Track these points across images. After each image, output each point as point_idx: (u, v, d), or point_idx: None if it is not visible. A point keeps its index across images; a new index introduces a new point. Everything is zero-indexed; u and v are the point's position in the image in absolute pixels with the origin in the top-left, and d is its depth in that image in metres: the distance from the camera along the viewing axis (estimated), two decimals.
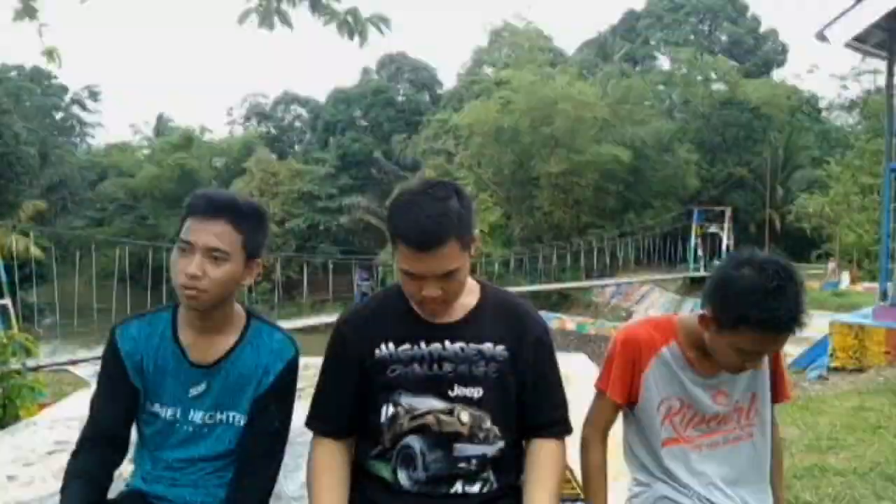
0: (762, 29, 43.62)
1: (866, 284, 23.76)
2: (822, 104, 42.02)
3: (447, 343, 1.58)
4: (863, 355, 6.62)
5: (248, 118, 48.13)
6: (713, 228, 32.85)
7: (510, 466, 1.62)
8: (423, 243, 1.46)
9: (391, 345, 1.60)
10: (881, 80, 40.27)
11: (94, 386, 1.75)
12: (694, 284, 29.68)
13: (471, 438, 1.57)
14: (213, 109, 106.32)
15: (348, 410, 1.63)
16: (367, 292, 25.70)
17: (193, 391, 1.66)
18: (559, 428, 1.65)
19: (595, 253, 31.56)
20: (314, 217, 37.66)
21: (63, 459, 3.09)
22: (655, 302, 27.47)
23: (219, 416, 1.66)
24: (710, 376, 1.66)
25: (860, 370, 6.59)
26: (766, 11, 75.05)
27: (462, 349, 1.58)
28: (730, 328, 1.50)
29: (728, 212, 32.23)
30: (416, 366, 1.58)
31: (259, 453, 1.66)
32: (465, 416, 1.56)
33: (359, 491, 1.63)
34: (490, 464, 1.59)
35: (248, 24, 3.48)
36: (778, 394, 1.75)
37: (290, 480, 2.69)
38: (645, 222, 32.94)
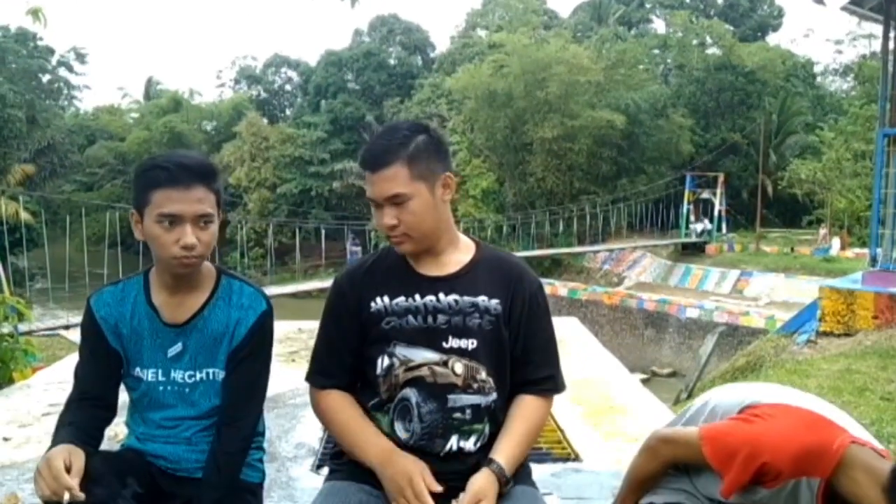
0: None
1: (856, 250, 23.97)
2: (817, 69, 41.85)
3: (441, 296, 1.61)
4: (851, 320, 6.68)
5: (237, 81, 47.50)
6: (706, 194, 32.89)
7: (502, 417, 1.65)
8: (368, 162, 1.57)
9: (386, 298, 1.63)
10: (876, 45, 39.95)
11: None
12: (685, 250, 29.85)
13: (465, 389, 1.60)
14: (202, 72, 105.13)
15: (348, 364, 1.67)
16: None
17: (171, 351, 1.69)
18: (545, 385, 1.68)
19: (588, 219, 31.58)
20: (306, 182, 37.44)
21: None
22: (647, 268, 27.59)
23: (199, 374, 1.69)
24: None
25: (848, 334, 6.66)
26: None
27: (456, 301, 1.61)
28: None
29: (721, 177, 32.22)
30: (410, 318, 1.61)
31: (237, 404, 1.68)
32: (458, 368, 1.59)
33: None
34: (485, 414, 1.62)
35: None
36: None
37: (285, 441, 2.73)
38: (638, 188, 32.91)
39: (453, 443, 1.59)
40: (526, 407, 1.65)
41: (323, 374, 1.69)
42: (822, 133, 28.01)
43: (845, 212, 26.96)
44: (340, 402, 1.66)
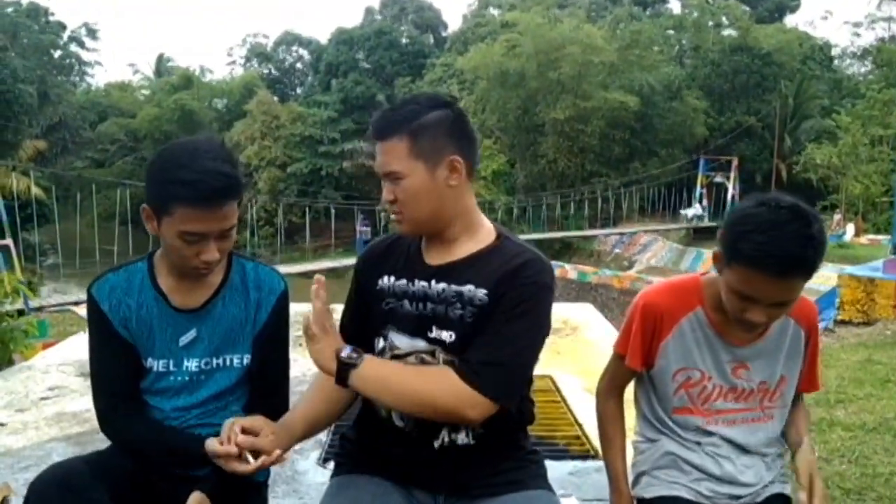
0: None
1: (870, 236, 23.67)
2: (835, 52, 41.24)
3: (433, 283, 1.50)
4: (871, 308, 6.54)
5: (248, 59, 47.33)
6: (719, 178, 32.58)
7: (500, 415, 1.46)
8: (373, 130, 1.48)
9: (391, 278, 1.55)
10: (895, 28, 39.56)
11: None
12: (697, 234, 29.61)
13: None
14: (213, 49, 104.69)
15: (359, 328, 1.59)
16: (368, 239, 25.69)
17: (184, 339, 1.59)
18: (469, 370, 1.40)
19: (599, 202, 31.37)
20: (316, 162, 37.32)
21: (56, 407, 3.08)
22: (658, 252, 27.37)
23: (216, 361, 1.60)
24: (737, 346, 1.56)
25: (867, 323, 6.52)
26: None
27: (443, 290, 1.49)
28: (727, 264, 1.40)
29: (734, 161, 31.87)
30: (406, 302, 1.52)
31: (272, 388, 1.64)
32: (442, 358, 1.48)
33: (361, 427, 1.61)
34: None
35: None
36: (805, 382, 1.63)
37: None
38: (650, 171, 32.63)
39: (444, 435, 1.49)
40: (436, 369, 1.45)
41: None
42: (839, 117, 27.57)
43: (860, 197, 26.62)
44: (314, 385, 1.60)
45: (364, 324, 1.59)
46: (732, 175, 31.84)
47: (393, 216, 1.51)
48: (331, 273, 25.34)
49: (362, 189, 36.42)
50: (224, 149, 1.53)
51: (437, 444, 1.49)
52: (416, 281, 1.52)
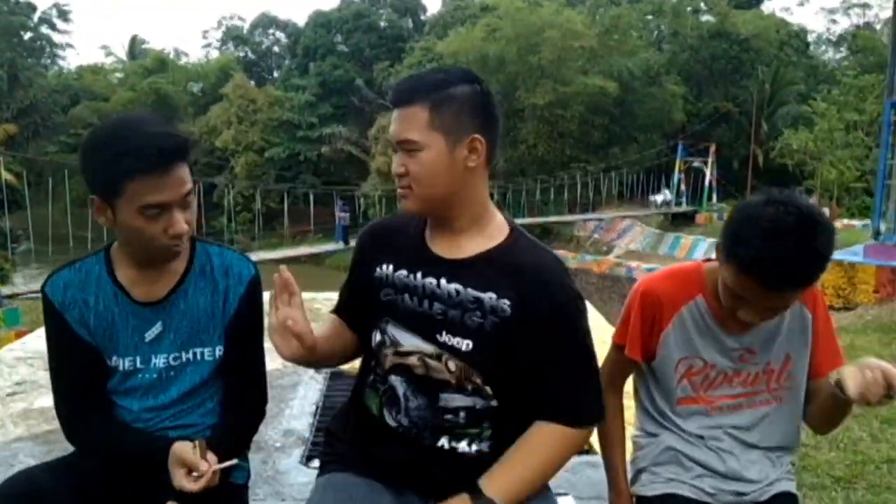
0: None
1: (845, 221, 23.95)
2: (811, 38, 41.56)
3: (442, 281, 1.38)
4: (852, 293, 6.57)
5: (224, 42, 46.62)
6: (696, 163, 32.76)
7: (511, 425, 1.39)
8: (393, 95, 1.37)
9: (391, 266, 1.44)
10: (870, 15, 39.91)
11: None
12: (675, 219, 29.81)
13: (459, 389, 1.38)
14: (188, 33, 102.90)
15: (358, 310, 1.52)
16: (348, 224, 25.53)
17: (149, 334, 1.48)
18: (564, 414, 1.37)
19: (578, 187, 31.42)
20: (294, 146, 36.93)
21: (24, 403, 2.95)
22: (636, 237, 27.55)
23: (184, 356, 1.50)
24: (740, 333, 1.49)
25: (848, 308, 6.56)
26: None
27: (457, 292, 1.36)
28: (724, 261, 1.36)
29: (712, 147, 32.06)
30: (406, 296, 1.41)
31: (248, 380, 1.55)
32: (452, 365, 1.37)
33: (351, 423, 1.51)
34: (483, 419, 1.39)
35: None
36: (827, 360, 1.52)
37: (271, 428, 2.54)
38: (629, 157, 32.73)
39: (444, 443, 1.39)
40: (536, 435, 1.37)
41: (336, 307, 1.60)
42: (815, 103, 27.76)
43: (835, 183, 26.88)
44: (327, 320, 1.56)
45: (361, 306, 1.50)
46: (710, 160, 32.03)
47: (400, 190, 1.39)
48: (310, 259, 25.17)
49: (341, 174, 36.14)
50: (160, 115, 1.44)
51: (435, 446, 1.40)
52: (419, 274, 1.40)
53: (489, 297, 1.35)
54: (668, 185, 32.58)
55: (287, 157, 36.93)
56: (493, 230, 1.41)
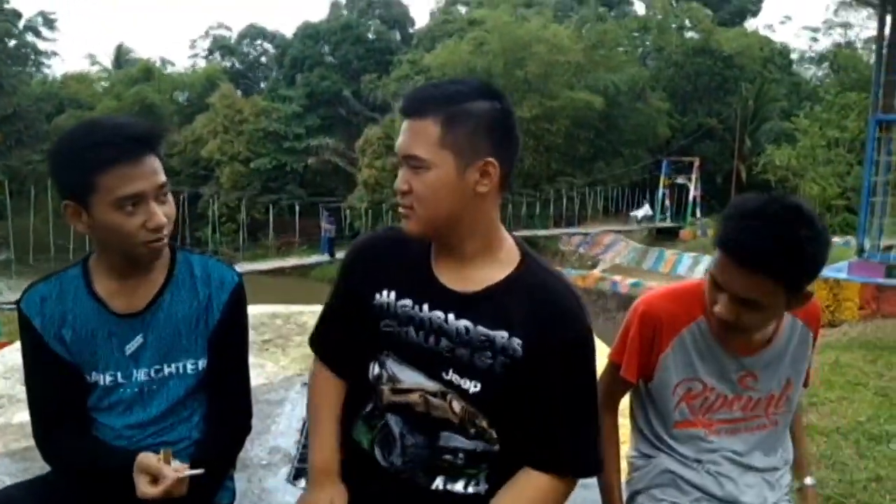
0: None
1: None
2: (794, 56, 42.15)
3: (451, 316, 1.28)
4: (837, 310, 6.60)
5: (211, 52, 46.43)
6: (681, 179, 32.99)
7: (510, 466, 1.32)
8: (404, 105, 1.26)
9: (392, 294, 1.34)
10: (851, 34, 40.56)
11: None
12: (660, 235, 29.96)
13: (461, 430, 1.30)
14: (175, 42, 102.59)
15: (347, 343, 1.41)
16: (333, 237, 25.46)
17: (130, 347, 1.44)
18: (560, 464, 1.29)
19: (564, 201, 31.53)
20: (280, 157, 36.77)
21: (1, 418, 2.86)
22: (621, 251, 27.61)
23: (167, 368, 1.45)
24: (742, 356, 1.47)
25: (832, 325, 6.59)
26: None
27: (467, 329, 1.27)
28: (714, 249, 1.37)
29: (696, 162, 32.33)
30: (411, 329, 1.31)
31: (233, 393, 1.51)
32: (457, 405, 1.29)
33: (339, 454, 1.43)
34: (483, 462, 1.32)
35: None
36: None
37: (257, 444, 2.49)
38: (615, 171, 32.93)
39: (439, 483, 1.32)
40: (529, 487, 1.28)
41: (323, 344, 1.47)
42: (798, 120, 28.12)
43: (817, 199, 27.17)
44: (321, 383, 1.45)
45: (352, 336, 1.39)
46: (694, 176, 32.26)
47: (402, 210, 1.28)
48: (294, 271, 25.02)
49: (328, 186, 36.02)
50: (130, 116, 1.44)
51: (430, 488, 1.33)
52: (426, 307, 1.30)
53: (500, 335, 1.27)
54: (651, 201, 32.75)
55: (273, 168, 36.77)
56: (504, 256, 1.33)
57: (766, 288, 1.30)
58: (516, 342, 1.26)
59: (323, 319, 1.48)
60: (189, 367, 1.46)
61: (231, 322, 1.48)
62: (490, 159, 1.24)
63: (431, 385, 1.31)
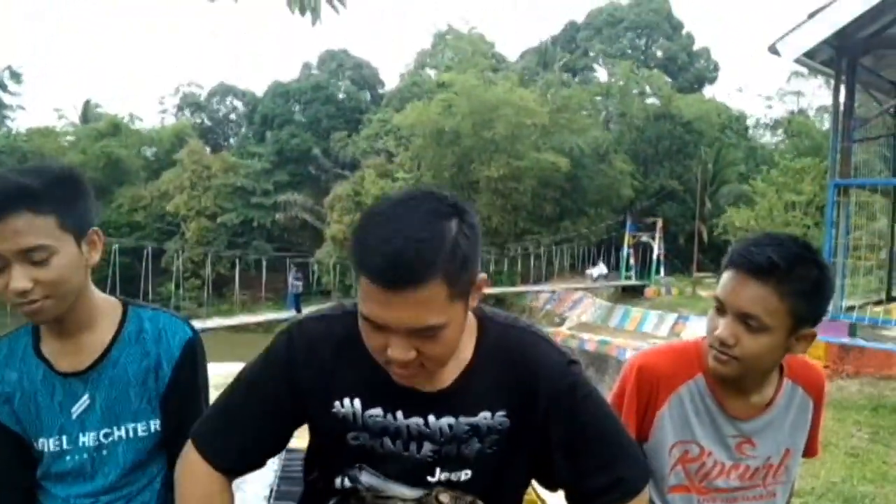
0: (695, 47, 45.03)
1: None
2: (749, 122, 43.87)
3: (431, 418, 1.18)
4: None
5: (180, 108, 46.57)
6: (645, 238, 33.63)
7: None
8: (388, 275, 1.00)
9: (357, 402, 1.19)
10: (804, 102, 42.43)
11: None
12: (625, 292, 30.32)
13: None
14: (144, 98, 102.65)
15: (257, 451, 1.26)
16: (300, 293, 25.20)
17: (75, 409, 1.35)
18: (612, 495, 1.22)
19: (531, 259, 31.85)
20: (248, 213, 36.70)
21: None
22: (588, 308, 27.84)
23: (116, 432, 1.36)
24: (741, 420, 1.45)
25: None
26: (699, 30, 77.65)
27: (450, 427, 1.18)
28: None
29: (659, 223, 33.07)
30: (387, 440, 1.19)
31: None
32: (445, 497, 1.21)
33: None
34: None
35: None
36: (807, 448, 1.56)
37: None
38: (580, 230, 33.48)
39: None
40: None
41: (220, 447, 1.23)
42: (755, 183, 29.11)
43: None
44: (205, 489, 1.22)
45: (260, 444, 1.24)
46: (657, 235, 32.93)
47: (401, 375, 1.11)
48: (260, 327, 24.64)
49: (295, 241, 35.93)
50: (28, 166, 1.32)
51: None
52: (400, 414, 1.18)
53: (484, 417, 1.19)
54: (615, 259, 33.24)
55: (240, 223, 36.62)
56: (465, 339, 1.18)
57: (770, 304, 1.30)
58: (500, 416, 1.19)
59: (226, 415, 1.26)
60: (140, 429, 1.37)
61: (183, 380, 1.39)
62: (482, 277, 1.14)
63: (415, 493, 1.22)
